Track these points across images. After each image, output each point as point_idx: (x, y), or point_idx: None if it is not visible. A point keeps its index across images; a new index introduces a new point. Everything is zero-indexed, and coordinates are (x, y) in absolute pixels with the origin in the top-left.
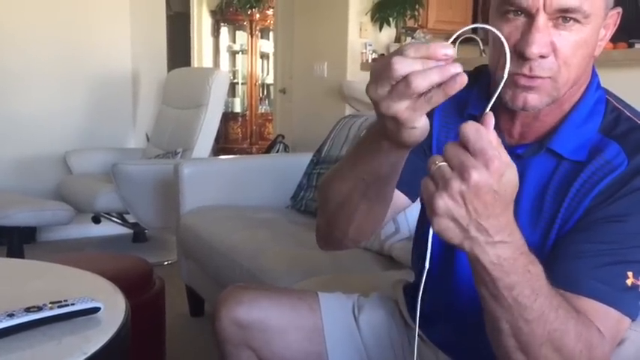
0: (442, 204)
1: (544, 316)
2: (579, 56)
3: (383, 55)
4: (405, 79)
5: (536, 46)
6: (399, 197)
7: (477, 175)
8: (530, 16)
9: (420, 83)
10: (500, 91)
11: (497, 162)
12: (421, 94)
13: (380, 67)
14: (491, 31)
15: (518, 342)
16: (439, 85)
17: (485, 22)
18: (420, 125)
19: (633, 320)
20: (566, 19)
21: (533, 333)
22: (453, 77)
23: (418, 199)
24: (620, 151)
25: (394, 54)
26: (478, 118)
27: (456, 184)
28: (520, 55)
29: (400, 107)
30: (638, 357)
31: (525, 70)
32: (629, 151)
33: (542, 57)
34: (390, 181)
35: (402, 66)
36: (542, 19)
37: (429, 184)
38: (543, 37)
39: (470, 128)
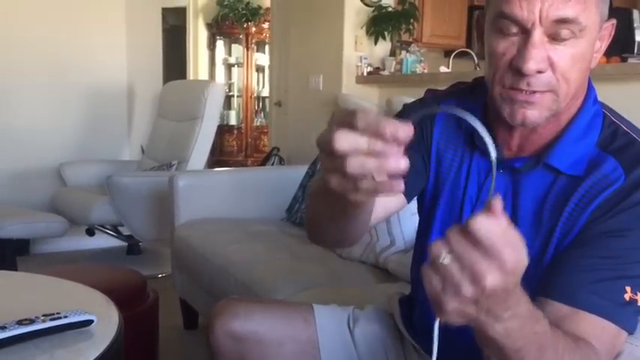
0: (453, 308)
1: None
2: (577, 70)
3: (378, 69)
4: (343, 157)
5: (533, 61)
6: (393, 198)
7: (491, 281)
8: (526, 32)
9: (354, 168)
10: (499, 105)
11: (513, 260)
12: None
13: (323, 139)
14: (457, 112)
15: None
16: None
17: (480, 37)
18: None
19: (630, 334)
20: (562, 33)
21: None
22: (388, 182)
23: (414, 199)
24: (617, 166)
25: (340, 124)
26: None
27: (469, 291)
28: (517, 71)
29: (339, 184)
30: None
31: (523, 86)
32: (625, 165)
33: (539, 72)
34: (354, 217)
35: (341, 144)
36: (538, 33)
37: (434, 281)
38: (540, 52)
39: (481, 225)
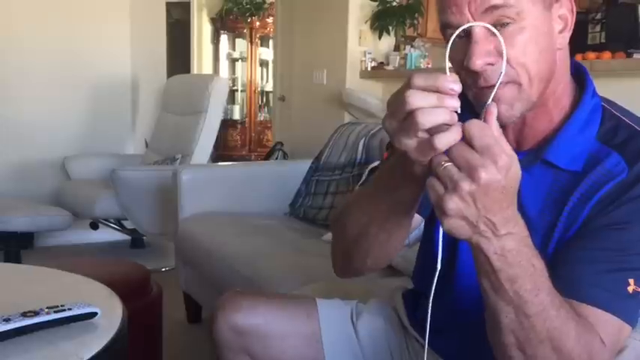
0: (453, 205)
1: (545, 312)
2: (531, 52)
3: (382, 64)
4: (412, 114)
5: (477, 56)
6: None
7: (485, 174)
8: (468, 34)
9: (426, 119)
10: (476, 109)
11: (505, 157)
12: (427, 131)
13: (393, 100)
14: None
15: (517, 338)
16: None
17: None
18: None
19: (633, 327)
20: (502, 24)
21: (533, 328)
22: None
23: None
24: (620, 160)
25: (406, 86)
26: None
27: (466, 185)
28: (470, 71)
29: (409, 144)
30: None
31: (481, 83)
32: (628, 159)
33: (490, 65)
34: (409, 211)
35: (413, 99)
36: (476, 31)
37: (437, 185)
38: (483, 46)
39: (474, 126)
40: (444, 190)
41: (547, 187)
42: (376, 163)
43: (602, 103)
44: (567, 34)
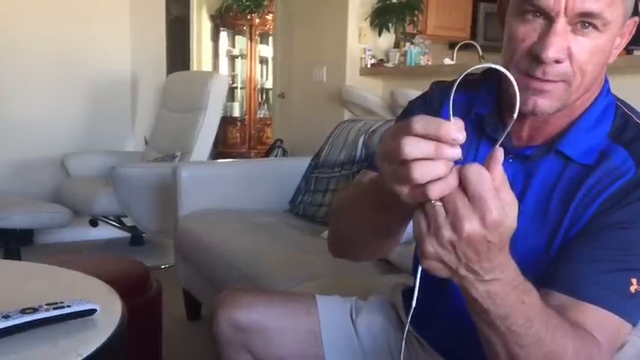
0: (430, 249)
1: (540, 341)
2: (594, 63)
3: (382, 61)
4: (408, 164)
5: (553, 50)
6: None
7: (469, 228)
8: (550, 19)
9: (420, 175)
10: (510, 93)
11: (496, 214)
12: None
13: (388, 141)
14: (500, 69)
15: None
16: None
17: (501, 19)
18: None
19: (634, 327)
20: (585, 25)
21: (530, 357)
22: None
23: None
24: (627, 158)
25: (404, 130)
26: (485, 118)
27: (447, 233)
28: (535, 58)
29: (402, 190)
30: None
31: (539, 73)
32: (636, 157)
33: (557, 62)
34: (400, 228)
35: (411, 149)
36: (561, 22)
37: (422, 222)
38: (561, 41)
39: (472, 172)
40: (427, 230)
41: (557, 178)
42: None
43: (616, 102)
44: (617, 52)
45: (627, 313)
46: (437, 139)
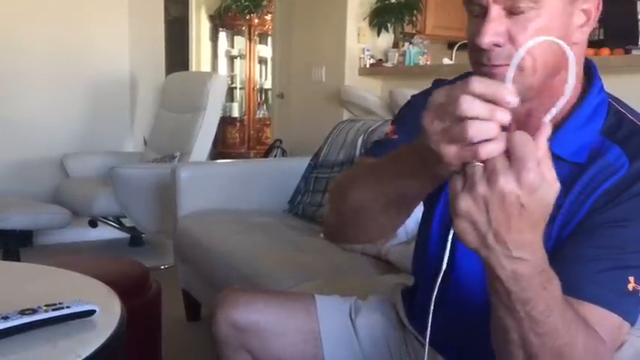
0: (464, 205)
1: (556, 332)
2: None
3: (380, 61)
4: (463, 122)
5: (487, 35)
6: None
7: (503, 183)
8: (485, 10)
9: (476, 133)
10: None
11: (533, 175)
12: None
13: (445, 100)
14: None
15: (527, 353)
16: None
17: None
18: None
19: (633, 325)
20: (518, 8)
21: (544, 346)
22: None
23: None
24: (621, 154)
25: (461, 88)
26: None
27: (481, 188)
28: (476, 47)
29: (449, 150)
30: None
31: (484, 60)
32: (630, 154)
33: (497, 46)
34: (416, 201)
35: (469, 106)
36: (494, 9)
37: (457, 182)
38: (496, 26)
39: (518, 136)
40: (462, 187)
41: None
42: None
43: (609, 100)
44: (587, 29)
45: (625, 311)
46: (493, 101)
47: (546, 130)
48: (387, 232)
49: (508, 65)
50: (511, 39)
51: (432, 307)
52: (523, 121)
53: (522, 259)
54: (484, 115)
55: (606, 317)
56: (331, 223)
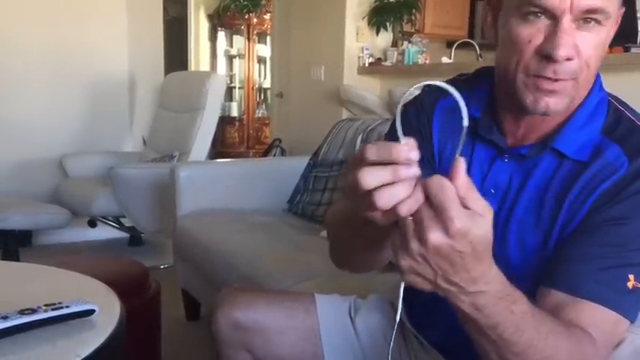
0: (404, 264)
1: (532, 348)
2: (597, 57)
3: (379, 59)
4: (371, 194)
5: (564, 48)
6: None
7: (433, 238)
8: (555, 18)
9: (384, 202)
10: (521, 93)
11: (458, 223)
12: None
13: (350, 178)
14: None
15: None
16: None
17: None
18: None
19: (632, 323)
20: (587, 21)
21: None
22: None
23: None
24: (620, 153)
25: (359, 161)
26: (478, 120)
27: (415, 246)
28: (545, 58)
29: (376, 215)
30: (634, 358)
31: (549, 73)
32: (629, 153)
33: (568, 59)
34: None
35: (371, 179)
36: (567, 20)
37: (395, 239)
38: (570, 39)
39: (433, 183)
40: (400, 245)
41: (551, 176)
42: None
43: (609, 98)
44: (609, 41)
45: (625, 309)
46: (393, 163)
47: (462, 166)
48: (379, 264)
49: (571, 80)
50: (578, 53)
51: (400, 293)
52: (534, 124)
53: (479, 292)
54: (388, 180)
55: (604, 315)
56: (333, 254)
